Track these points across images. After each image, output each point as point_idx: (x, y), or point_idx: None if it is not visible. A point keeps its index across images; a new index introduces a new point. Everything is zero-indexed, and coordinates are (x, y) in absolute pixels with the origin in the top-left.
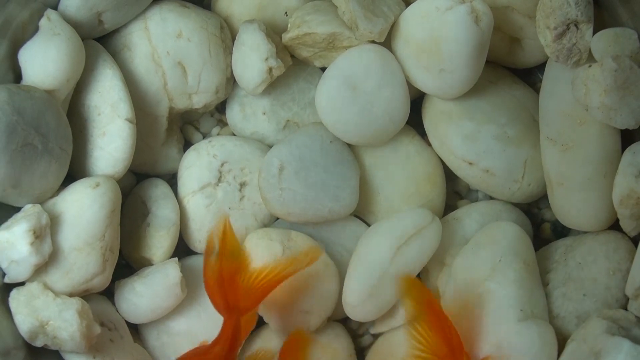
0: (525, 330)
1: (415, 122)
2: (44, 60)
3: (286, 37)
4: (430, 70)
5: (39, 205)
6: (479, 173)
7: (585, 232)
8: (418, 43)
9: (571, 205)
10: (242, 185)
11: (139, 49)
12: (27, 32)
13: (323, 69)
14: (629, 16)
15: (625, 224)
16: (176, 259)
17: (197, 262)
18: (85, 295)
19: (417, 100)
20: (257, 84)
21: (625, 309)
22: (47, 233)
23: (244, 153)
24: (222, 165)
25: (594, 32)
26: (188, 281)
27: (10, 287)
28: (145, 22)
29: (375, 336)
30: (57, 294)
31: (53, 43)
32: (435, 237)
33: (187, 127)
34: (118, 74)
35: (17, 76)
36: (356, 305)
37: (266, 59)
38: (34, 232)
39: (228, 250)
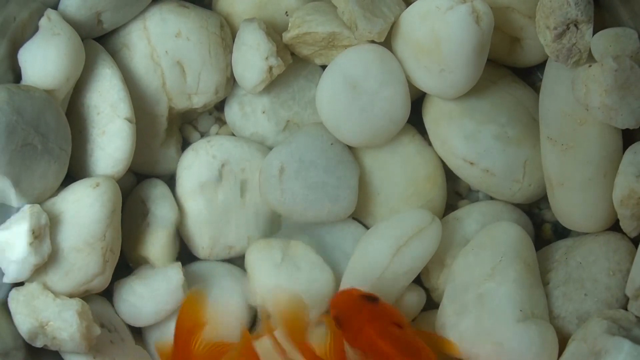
0: (525, 330)
1: (415, 122)
2: (44, 60)
3: (287, 37)
4: (430, 70)
5: (38, 206)
6: (479, 173)
7: (585, 233)
8: (418, 43)
9: (571, 205)
10: (243, 184)
11: (139, 48)
12: (26, 31)
13: (324, 67)
14: (629, 16)
15: (625, 225)
16: (179, 262)
17: (199, 267)
18: (85, 296)
19: (418, 100)
20: (257, 82)
21: (626, 309)
22: (46, 233)
23: (243, 154)
24: (222, 165)
25: (594, 32)
26: (190, 285)
27: (10, 287)
28: (144, 22)
29: None
30: (57, 294)
31: (53, 43)
32: (435, 237)
33: (185, 125)
34: (117, 74)
35: (17, 76)
36: None
37: (266, 58)
38: (33, 232)
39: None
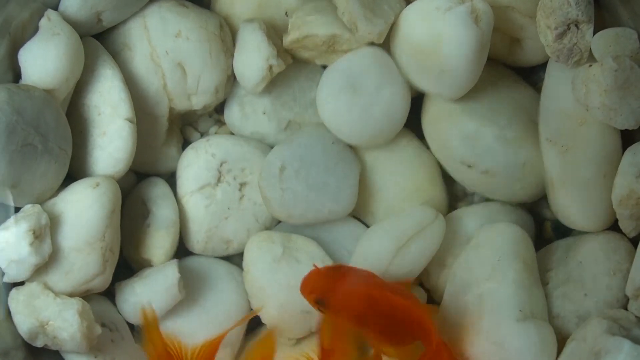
0: (524, 330)
1: (413, 123)
2: (44, 60)
3: (287, 40)
4: (430, 71)
5: (38, 206)
6: (478, 175)
7: (585, 233)
8: (418, 44)
9: (571, 205)
10: (242, 185)
11: (139, 49)
12: (27, 32)
13: (324, 67)
14: (629, 16)
15: (624, 225)
16: (176, 260)
17: (197, 263)
18: (86, 295)
19: (416, 101)
20: (257, 81)
21: (626, 309)
22: (46, 233)
23: (242, 152)
24: (221, 165)
25: (595, 32)
26: (187, 282)
27: (10, 287)
28: (144, 19)
29: None
30: (57, 294)
31: (53, 43)
32: (438, 234)
33: (185, 126)
34: (118, 75)
35: (17, 76)
36: None
37: (267, 59)
38: (34, 232)
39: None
